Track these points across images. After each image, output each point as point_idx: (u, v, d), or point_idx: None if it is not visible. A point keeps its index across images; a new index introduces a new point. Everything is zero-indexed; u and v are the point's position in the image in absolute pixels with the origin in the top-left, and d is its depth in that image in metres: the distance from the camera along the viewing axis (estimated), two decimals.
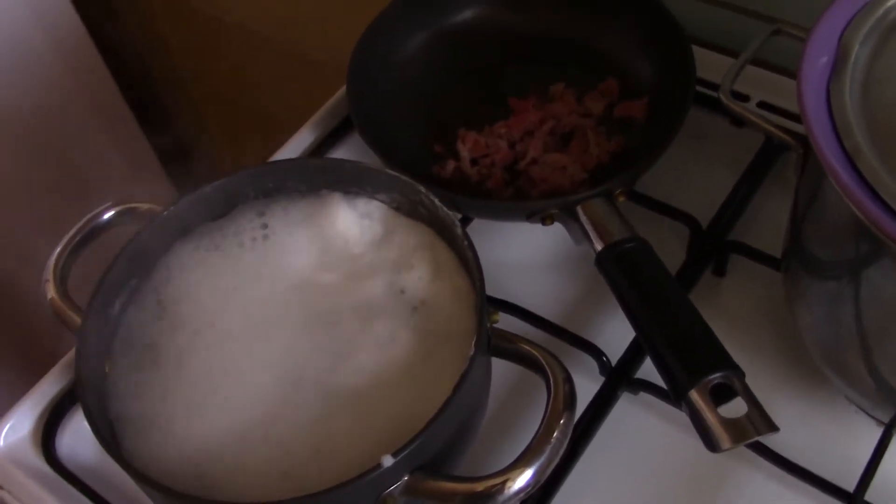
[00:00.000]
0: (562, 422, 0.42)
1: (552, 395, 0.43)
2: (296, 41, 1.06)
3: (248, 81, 1.18)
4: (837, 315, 0.47)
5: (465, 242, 0.48)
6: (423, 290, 0.49)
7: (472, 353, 0.44)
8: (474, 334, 0.45)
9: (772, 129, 0.50)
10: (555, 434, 0.42)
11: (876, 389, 0.48)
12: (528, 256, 0.62)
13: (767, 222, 0.62)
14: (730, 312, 0.58)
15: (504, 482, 0.41)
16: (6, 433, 0.56)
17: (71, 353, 0.59)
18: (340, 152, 0.69)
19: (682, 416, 0.52)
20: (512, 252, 0.62)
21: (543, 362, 0.44)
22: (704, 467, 0.52)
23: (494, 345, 0.46)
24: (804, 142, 0.47)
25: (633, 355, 0.55)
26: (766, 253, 0.58)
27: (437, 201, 0.50)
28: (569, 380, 0.44)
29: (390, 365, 0.46)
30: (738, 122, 0.65)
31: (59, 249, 0.52)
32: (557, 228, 0.58)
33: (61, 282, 0.51)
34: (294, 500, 0.41)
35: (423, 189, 0.50)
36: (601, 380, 0.55)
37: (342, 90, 0.71)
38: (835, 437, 0.53)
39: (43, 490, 0.54)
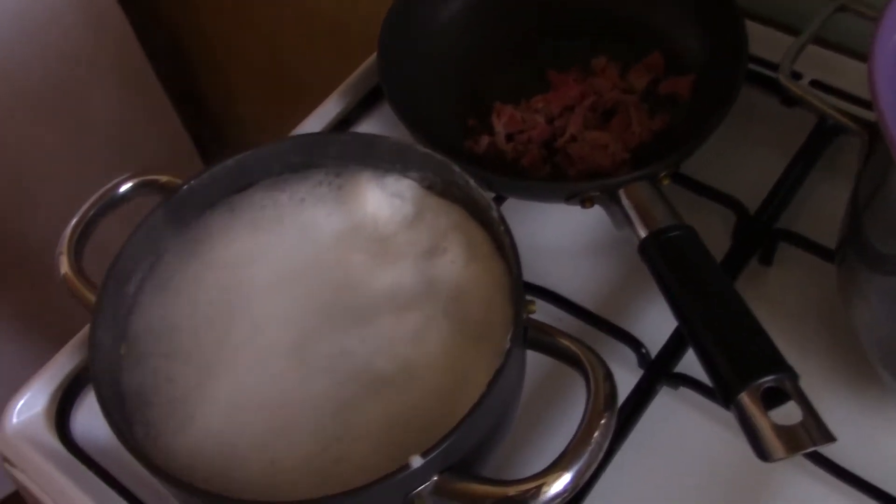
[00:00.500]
0: (602, 422, 0.40)
1: (592, 394, 0.41)
2: (326, 6, 1.03)
3: (277, 46, 1.15)
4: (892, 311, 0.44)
5: (502, 227, 0.45)
6: (456, 274, 0.47)
7: (507, 346, 0.41)
8: (510, 326, 0.42)
9: (834, 112, 0.46)
10: (594, 436, 0.40)
11: None
12: (564, 240, 0.59)
13: (819, 210, 0.58)
14: (776, 304, 0.55)
15: (539, 486, 0.39)
16: (19, 410, 0.54)
17: (86, 329, 0.57)
18: (368, 124, 0.67)
19: (725, 414, 0.50)
20: (548, 234, 0.59)
21: (584, 359, 0.42)
22: (745, 468, 0.50)
23: (531, 337, 0.43)
24: (870, 127, 0.44)
25: (673, 348, 0.52)
26: (818, 243, 0.54)
27: (471, 182, 0.47)
28: (609, 378, 0.41)
29: (420, 354, 0.44)
30: (790, 101, 0.62)
31: (74, 222, 0.49)
32: (596, 211, 0.55)
33: (76, 256, 0.49)
34: (319, 500, 0.38)
35: (457, 168, 0.47)
36: (639, 372, 0.52)
37: (372, 58, 0.67)
38: (887, 441, 0.50)
39: (55, 469, 0.52)
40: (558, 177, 0.58)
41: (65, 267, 0.48)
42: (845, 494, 0.48)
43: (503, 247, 0.46)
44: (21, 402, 0.54)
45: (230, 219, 0.50)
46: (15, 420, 0.54)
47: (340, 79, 0.67)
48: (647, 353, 0.52)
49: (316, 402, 0.44)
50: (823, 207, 0.58)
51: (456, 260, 0.47)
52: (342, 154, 0.50)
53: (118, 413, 0.43)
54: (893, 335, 0.45)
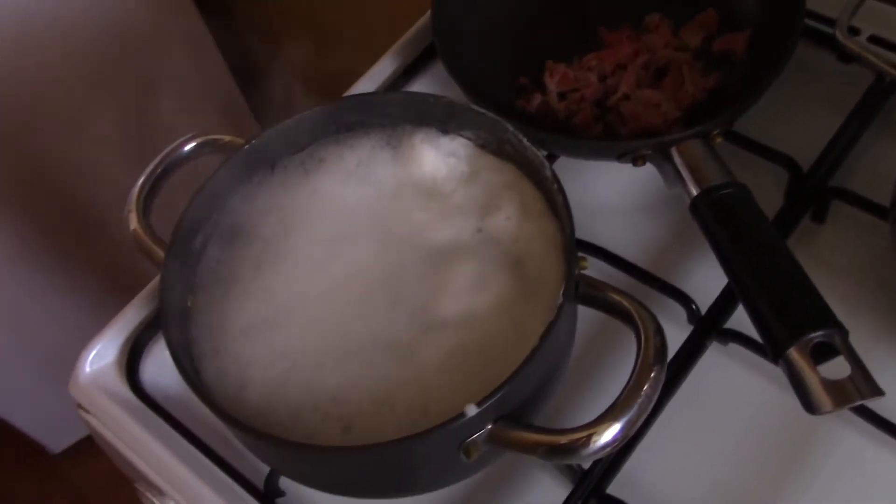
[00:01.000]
0: (652, 375, 0.41)
1: (642, 347, 0.41)
2: None
3: (329, 7, 1.16)
4: None
5: (556, 185, 0.46)
6: (511, 231, 0.48)
7: (560, 301, 0.42)
8: (562, 281, 0.43)
9: (892, 70, 0.46)
10: (644, 388, 0.41)
11: None
12: (616, 198, 0.60)
13: (873, 168, 0.58)
14: (828, 262, 0.55)
15: (589, 436, 0.40)
16: (92, 359, 0.57)
17: (154, 283, 0.59)
18: (421, 84, 0.67)
19: (773, 370, 0.50)
20: (599, 192, 0.60)
21: (634, 313, 0.42)
22: (794, 424, 0.50)
23: (583, 293, 0.44)
24: None
25: (723, 304, 0.53)
26: (872, 200, 0.54)
27: (524, 141, 0.48)
28: (660, 332, 0.42)
29: (478, 303, 0.45)
30: (846, 57, 0.61)
31: (141, 180, 0.51)
32: (648, 169, 0.55)
33: (144, 213, 0.51)
34: (376, 446, 0.40)
35: (510, 128, 0.48)
36: (689, 328, 0.53)
37: (424, 18, 0.68)
38: None
39: (127, 416, 0.55)
40: (610, 135, 0.58)
41: (134, 223, 0.50)
42: (891, 447, 0.48)
43: (556, 205, 0.47)
44: (93, 353, 0.57)
45: (292, 175, 0.52)
46: (88, 369, 0.57)
47: (393, 40, 0.68)
48: (697, 308, 0.52)
49: (376, 347, 0.46)
50: (878, 166, 0.58)
51: (511, 217, 0.48)
52: (398, 113, 0.51)
53: (187, 360, 0.46)
54: None
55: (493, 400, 0.40)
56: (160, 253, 0.49)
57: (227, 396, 0.46)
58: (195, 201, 0.49)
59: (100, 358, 0.58)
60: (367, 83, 0.66)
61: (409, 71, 0.67)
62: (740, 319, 0.52)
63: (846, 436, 0.50)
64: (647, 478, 0.50)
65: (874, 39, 0.61)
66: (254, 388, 0.46)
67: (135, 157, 0.54)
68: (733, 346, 0.52)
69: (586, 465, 0.49)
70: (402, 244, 0.48)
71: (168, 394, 0.57)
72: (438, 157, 0.50)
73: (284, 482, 0.52)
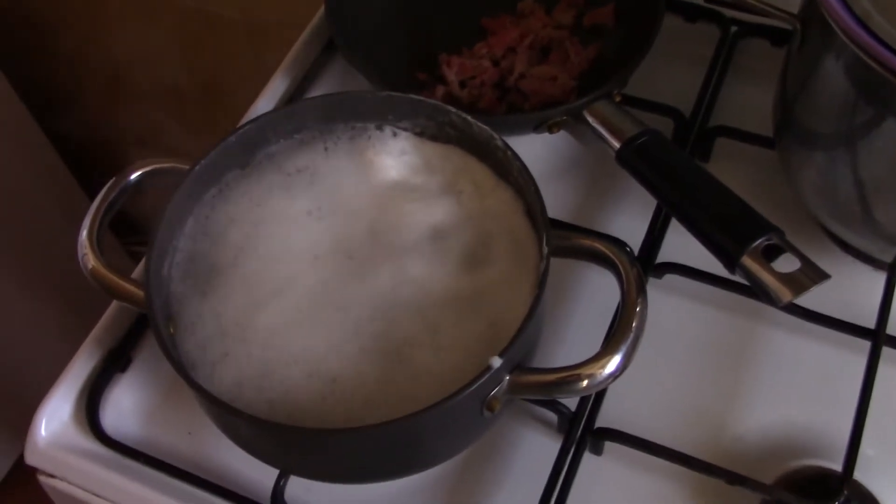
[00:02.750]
0: (637, 310, 0.45)
1: (625, 282, 0.46)
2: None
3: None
4: (837, 176, 0.52)
5: (509, 152, 0.49)
6: (475, 209, 0.51)
7: (545, 251, 0.46)
8: (537, 237, 0.47)
9: (768, 7, 0.53)
10: (634, 322, 0.45)
11: (879, 235, 0.54)
12: (533, 167, 0.64)
13: (741, 106, 0.66)
14: None
15: (598, 367, 0.44)
16: (46, 421, 0.55)
17: (97, 328, 0.57)
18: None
19: (706, 293, 0.57)
20: None
21: (608, 252, 0.47)
22: (731, 334, 0.57)
23: (556, 245, 0.48)
24: (801, 18, 0.51)
25: (650, 240, 0.58)
26: (753, 132, 0.62)
27: (469, 118, 0.51)
28: (635, 263, 0.46)
29: (471, 278, 0.48)
30: (692, 18, 0.70)
31: (88, 221, 0.50)
32: (553, 138, 0.61)
33: (99, 251, 0.50)
34: (406, 418, 0.42)
35: (452, 109, 0.51)
36: None
37: (304, 36, 0.70)
38: (842, 289, 0.57)
39: (101, 468, 0.53)
40: (514, 113, 0.63)
41: (91, 262, 0.49)
42: (818, 338, 0.55)
43: (508, 173, 0.51)
44: (46, 413, 0.55)
45: (243, 191, 0.52)
46: (44, 432, 0.54)
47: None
48: (632, 250, 0.58)
49: (360, 331, 0.48)
50: (745, 104, 0.66)
51: (472, 195, 0.51)
52: (335, 114, 0.53)
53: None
54: (834, 194, 0.53)
55: (512, 349, 0.43)
56: (122, 284, 0.48)
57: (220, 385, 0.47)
58: (158, 233, 0.48)
59: (54, 417, 0.55)
60: (265, 103, 0.67)
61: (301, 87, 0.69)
62: (667, 251, 0.58)
63: (777, 335, 0.57)
64: (624, 408, 0.54)
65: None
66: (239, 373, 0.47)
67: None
68: (668, 278, 0.58)
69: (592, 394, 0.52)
70: (379, 236, 0.50)
71: (137, 435, 0.55)
72: (388, 158, 0.53)
73: (290, 494, 0.52)
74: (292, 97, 0.68)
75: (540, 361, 0.50)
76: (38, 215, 1.22)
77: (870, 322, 0.54)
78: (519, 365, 0.45)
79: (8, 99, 1.16)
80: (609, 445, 0.52)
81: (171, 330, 0.48)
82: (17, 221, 1.19)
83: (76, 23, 1.16)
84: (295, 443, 0.45)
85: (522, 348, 0.45)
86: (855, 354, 0.53)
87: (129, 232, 1.39)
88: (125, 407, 0.57)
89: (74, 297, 1.17)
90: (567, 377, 0.44)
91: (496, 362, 0.43)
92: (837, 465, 0.49)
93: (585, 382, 0.44)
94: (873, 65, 0.44)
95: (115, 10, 1.11)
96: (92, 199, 0.51)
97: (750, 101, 0.66)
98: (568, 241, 0.48)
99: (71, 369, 0.56)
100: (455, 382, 0.42)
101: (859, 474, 0.49)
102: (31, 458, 0.55)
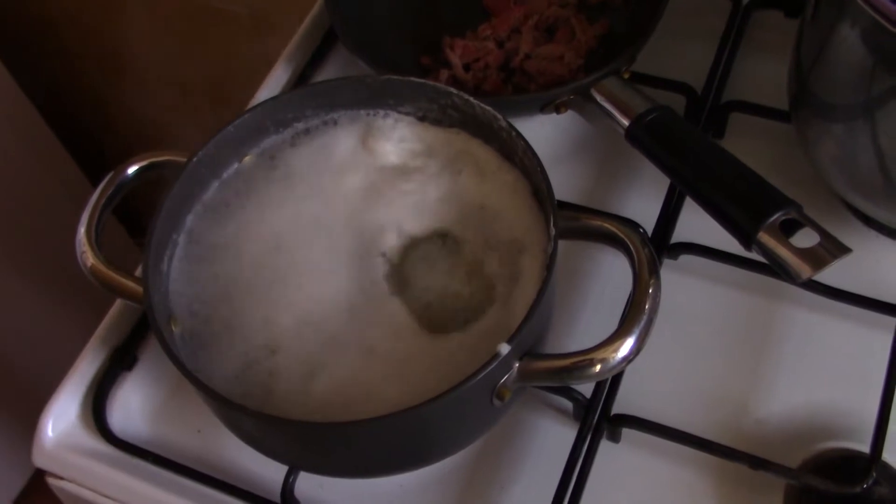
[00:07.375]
0: (650, 291, 0.44)
1: (636, 263, 0.44)
2: None
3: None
4: (857, 147, 0.50)
5: (513, 132, 0.48)
6: (476, 192, 0.49)
7: (553, 232, 0.44)
8: (545, 218, 0.46)
9: None
10: (647, 303, 0.43)
11: None
12: (540, 149, 0.62)
13: (754, 81, 0.64)
14: None
15: (611, 351, 0.42)
16: (53, 422, 0.54)
17: (102, 327, 0.56)
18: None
19: (723, 272, 0.55)
20: None
21: (618, 232, 0.45)
22: (751, 315, 0.55)
23: (564, 226, 0.46)
24: None
25: (664, 221, 0.56)
26: (768, 106, 0.60)
27: (471, 99, 0.49)
28: (647, 243, 0.45)
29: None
30: None
31: (86, 217, 0.49)
32: (562, 119, 0.59)
33: (98, 247, 0.49)
34: (414, 408, 0.41)
35: (454, 90, 0.50)
36: None
37: (306, 25, 0.69)
38: (865, 264, 0.55)
39: (109, 469, 0.53)
40: (521, 94, 0.61)
41: (91, 260, 0.48)
42: (840, 315, 0.53)
43: (513, 154, 0.49)
44: (53, 414, 0.54)
45: (246, 180, 0.51)
46: (51, 434, 0.54)
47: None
48: (645, 231, 0.56)
49: (364, 327, 0.47)
50: (758, 78, 0.64)
51: (473, 177, 0.50)
52: (334, 100, 0.52)
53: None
54: (855, 167, 0.51)
55: (521, 335, 0.42)
56: (122, 280, 0.47)
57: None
58: (156, 228, 0.47)
59: (61, 418, 0.54)
60: (267, 93, 0.66)
61: (307, 72, 0.68)
62: (680, 232, 0.56)
63: (798, 314, 0.55)
64: (642, 393, 0.52)
65: None
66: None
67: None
68: (684, 258, 0.56)
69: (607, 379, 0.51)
70: (374, 236, 0.49)
71: (145, 434, 0.55)
72: (388, 145, 0.51)
73: (301, 491, 0.50)
74: (294, 87, 0.66)
75: (553, 349, 0.49)
76: (45, 211, 1.21)
77: (895, 298, 0.52)
78: (529, 351, 0.43)
79: (12, 93, 1.16)
80: (627, 432, 0.51)
81: (174, 327, 0.47)
82: (24, 218, 1.18)
83: (80, 16, 1.16)
84: (302, 438, 0.44)
85: (532, 334, 0.43)
86: (881, 332, 0.52)
87: (140, 232, 1.39)
88: (132, 406, 0.56)
89: (82, 295, 1.16)
90: (579, 362, 0.42)
91: (504, 349, 0.41)
92: (865, 447, 0.47)
93: (598, 367, 0.42)
94: (892, 28, 0.42)
95: (119, 4, 1.11)
96: None
97: (764, 74, 0.64)
98: (576, 222, 0.47)
99: (77, 369, 0.55)
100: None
101: (888, 455, 0.47)
102: (38, 460, 0.54)
